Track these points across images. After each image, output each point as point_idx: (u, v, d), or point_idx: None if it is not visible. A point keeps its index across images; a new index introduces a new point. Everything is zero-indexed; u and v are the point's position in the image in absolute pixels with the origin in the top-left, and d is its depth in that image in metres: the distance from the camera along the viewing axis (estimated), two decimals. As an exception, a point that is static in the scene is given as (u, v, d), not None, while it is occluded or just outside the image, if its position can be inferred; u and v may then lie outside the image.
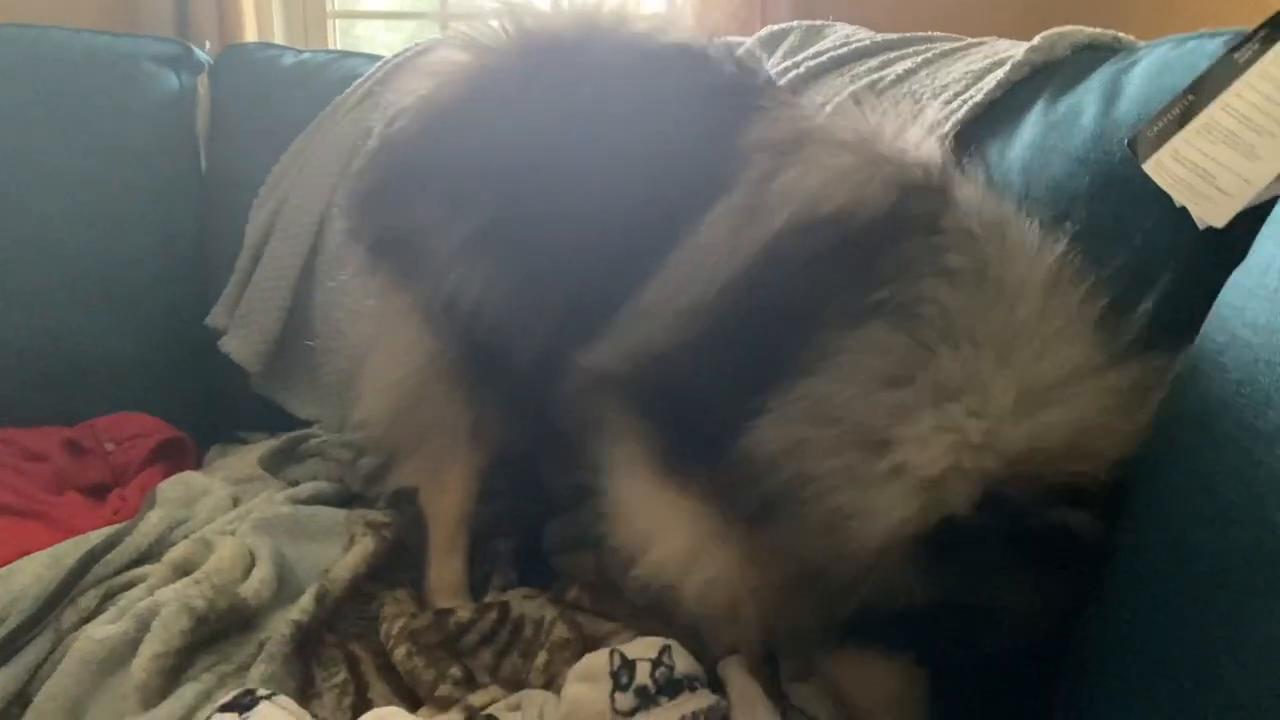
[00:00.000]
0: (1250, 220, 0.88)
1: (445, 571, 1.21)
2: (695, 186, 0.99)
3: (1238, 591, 0.65)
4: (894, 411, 0.82)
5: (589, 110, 1.07)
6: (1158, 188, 0.98)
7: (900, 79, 1.31)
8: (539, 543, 1.31)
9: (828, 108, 1.29)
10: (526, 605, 1.15)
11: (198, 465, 1.61)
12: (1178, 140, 0.99)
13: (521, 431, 1.18)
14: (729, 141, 1.01)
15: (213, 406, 1.78)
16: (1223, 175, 0.95)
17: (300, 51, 1.88)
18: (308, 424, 1.66)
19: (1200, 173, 0.96)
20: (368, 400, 1.24)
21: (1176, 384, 0.80)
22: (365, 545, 1.18)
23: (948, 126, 1.20)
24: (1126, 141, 1.01)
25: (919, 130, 1.02)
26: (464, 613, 1.12)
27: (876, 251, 0.88)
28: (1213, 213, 0.95)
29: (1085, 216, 0.97)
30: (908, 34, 1.40)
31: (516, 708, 0.96)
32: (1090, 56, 1.18)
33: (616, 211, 1.01)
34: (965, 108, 1.20)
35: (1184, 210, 0.96)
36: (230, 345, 1.70)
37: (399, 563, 1.20)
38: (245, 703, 0.88)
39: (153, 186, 1.75)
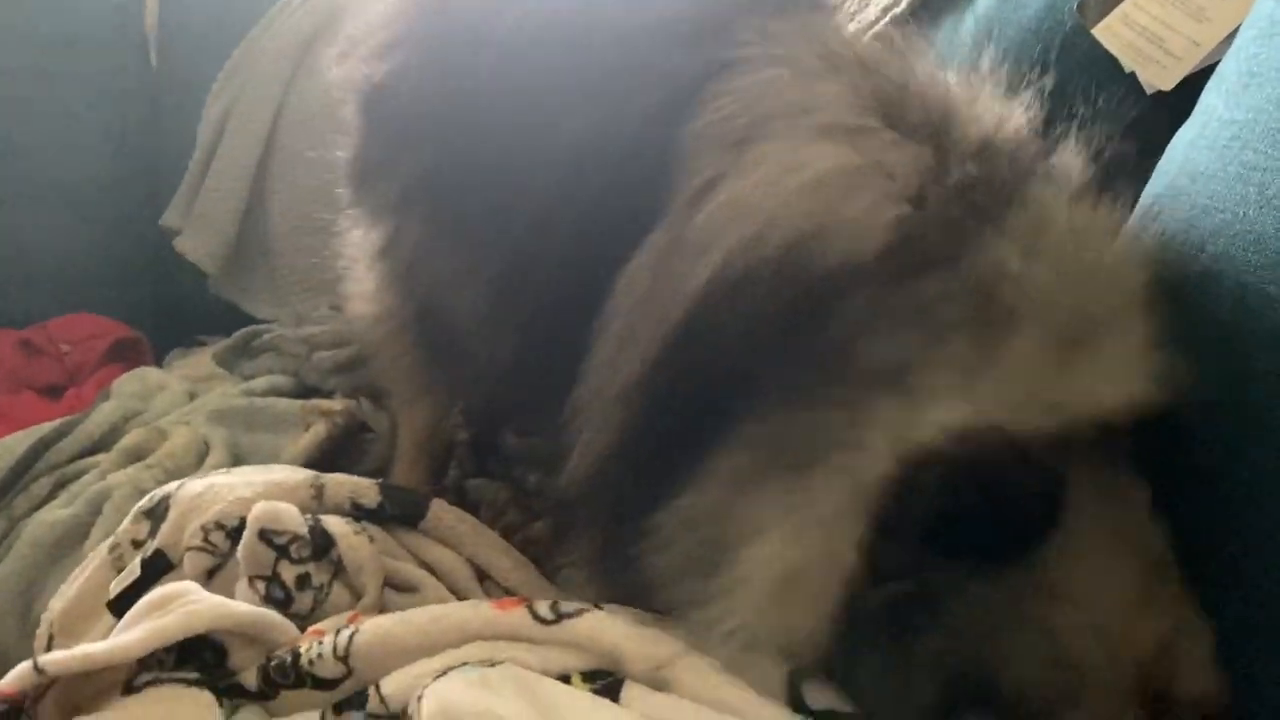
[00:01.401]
0: (1199, 83, 0.87)
1: (411, 475, 1.19)
2: (628, 204, 0.71)
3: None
4: None
5: (511, 69, 0.83)
6: (1108, 53, 0.96)
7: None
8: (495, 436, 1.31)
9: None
10: (484, 490, 1.16)
11: (155, 366, 1.60)
12: (1127, 4, 0.97)
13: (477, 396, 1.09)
14: (673, 128, 0.71)
15: (171, 310, 1.77)
16: (1172, 38, 0.94)
17: (251, -56, 1.83)
18: (267, 322, 1.65)
19: (1149, 36, 0.95)
20: (350, 311, 1.19)
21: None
22: (317, 432, 1.18)
23: (903, 6, 1.18)
24: (1076, 6, 0.99)
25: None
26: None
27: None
28: (1162, 76, 0.93)
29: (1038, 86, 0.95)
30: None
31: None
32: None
33: (545, 207, 0.78)
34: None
35: (1133, 76, 0.95)
36: (186, 246, 1.68)
37: (351, 448, 1.20)
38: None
39: (101, 83, 1.72)
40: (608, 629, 0.61)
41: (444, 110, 0.89)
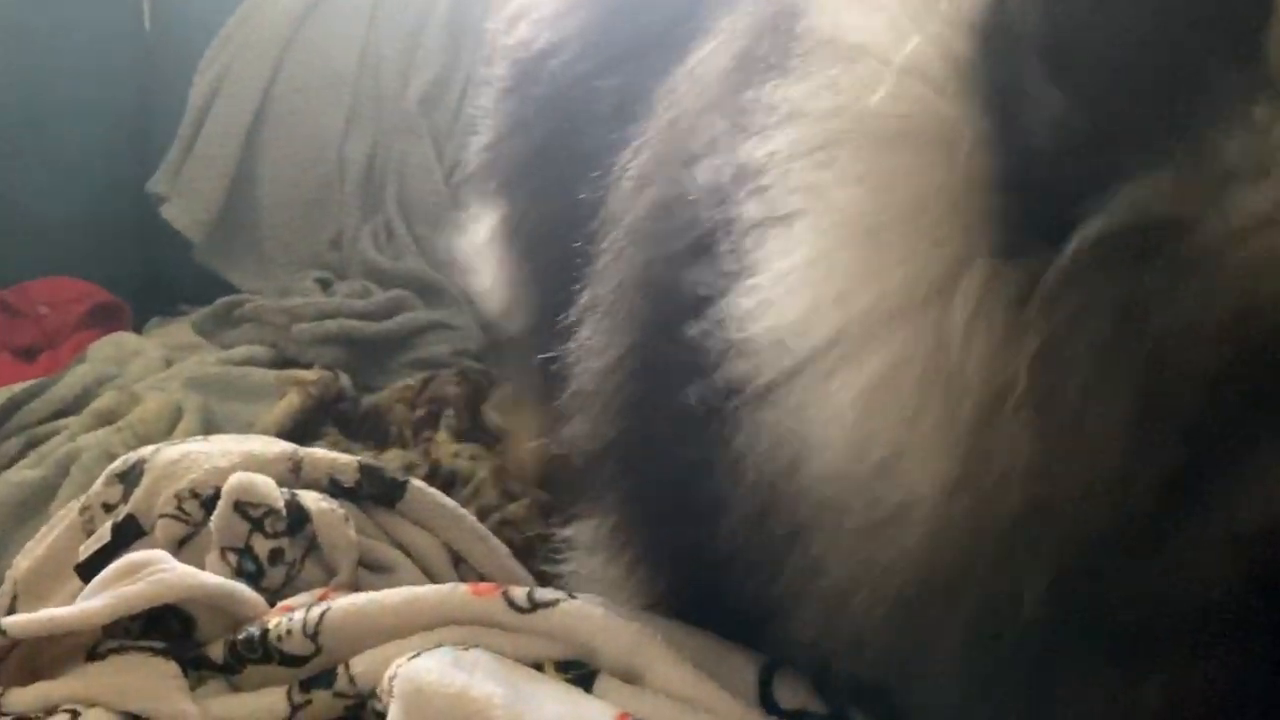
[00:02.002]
0: None
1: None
2: None
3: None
4: None
5: None
6: None
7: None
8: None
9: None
10: (459, 463, 1.15)
11: (135, 332, 1.58)
12: None
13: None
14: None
15: (154, 277, 1.75)
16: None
17: (251, -91, 1.81)
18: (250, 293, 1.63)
19: None
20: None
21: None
22: (291, 401, 1.17)
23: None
24: None
25: None
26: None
27: None
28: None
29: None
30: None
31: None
32: None
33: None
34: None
35: None
36: (172, 213, 1.67)
37: (324, 418, 1.19)
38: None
39: (93, 45, 1.69)
40: (583, 620, 0.60)
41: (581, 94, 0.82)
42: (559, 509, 0.75)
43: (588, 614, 0.60)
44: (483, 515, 1.04)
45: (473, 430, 1.26)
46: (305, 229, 1.64)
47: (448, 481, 1.10)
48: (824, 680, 0.59)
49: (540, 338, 0.82)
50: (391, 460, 1.12)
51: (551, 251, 0.77)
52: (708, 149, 0.53)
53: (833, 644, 0.52)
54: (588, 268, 0.65)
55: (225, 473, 0.77)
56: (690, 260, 0.51)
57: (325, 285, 1.56)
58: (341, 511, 0.77)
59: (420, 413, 1.28)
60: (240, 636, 0.65)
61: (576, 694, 0.57)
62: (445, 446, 1.21)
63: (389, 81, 1.65)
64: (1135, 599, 0.40)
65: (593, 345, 0.62)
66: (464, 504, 1.03)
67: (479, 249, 1.04)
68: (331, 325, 1.40)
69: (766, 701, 0.58)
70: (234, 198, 1.66)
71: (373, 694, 0.60)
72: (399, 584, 0.75)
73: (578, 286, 0.65)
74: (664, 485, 0.59)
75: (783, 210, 0.45)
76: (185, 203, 1.66)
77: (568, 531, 0.75)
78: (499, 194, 0.96)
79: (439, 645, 0.60)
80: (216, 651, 0.66)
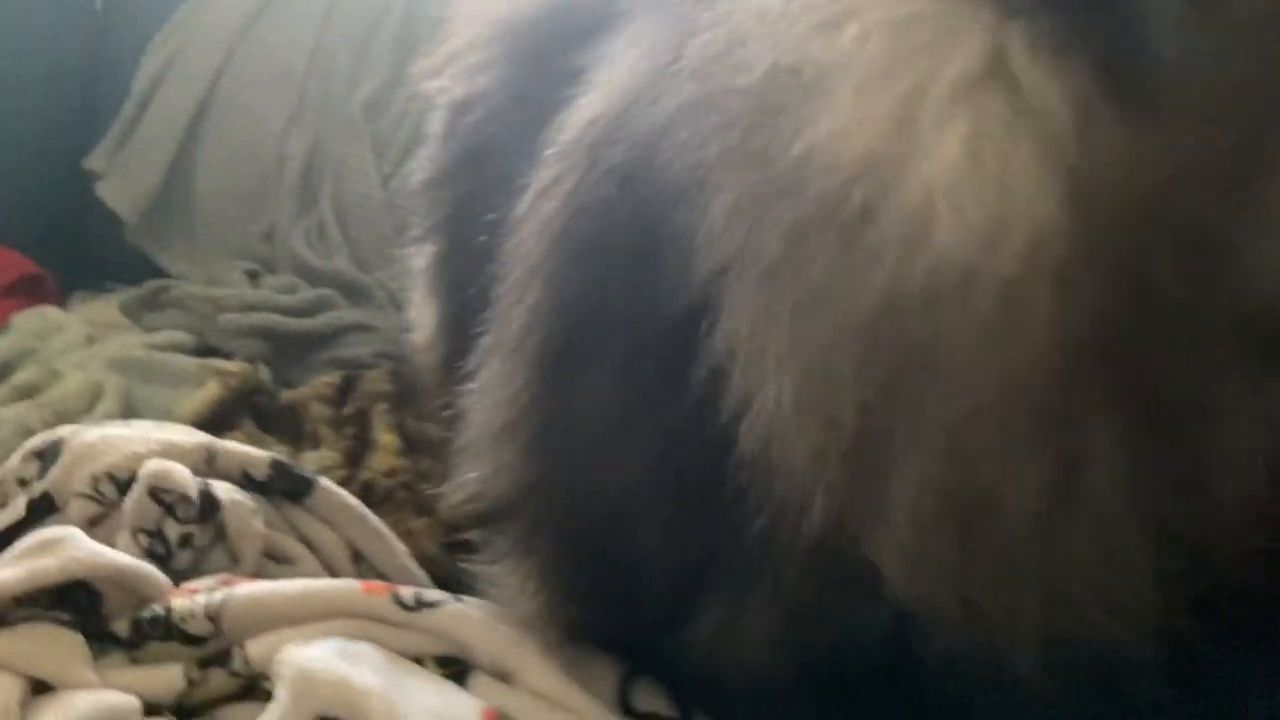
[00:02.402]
0: None
1: None
2: None
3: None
4: None
5: None
6: None
7: None
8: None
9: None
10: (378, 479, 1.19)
11: (60, 307, 1.60)
12: None
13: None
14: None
15: (84, 252, 1.76)
16: None
17: (214, -100, 1.84)
18: (179, 278, 1.66)
19: None
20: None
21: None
22: (210, 391, 1.20)
23: None
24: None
25: None
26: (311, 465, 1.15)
27: None
28: None
29: None
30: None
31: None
32: None
33: None
34: None
35: None
36: (107, 191, 1.69)
37: (242, 410, 1.23)
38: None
39: (45, 22, 1.71)
40: (462, 621, 0.66)
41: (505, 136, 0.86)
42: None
43: (467, 616, 0.67)
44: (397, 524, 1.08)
45: (402, 427, 1.30)
46: (239, 220, 1.67)
47: (367, 486, 1.14)
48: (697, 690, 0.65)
49: (449, 374, 0.88)
50: (311, 462, 1.16)
51: (463, 297, 0.82)
52: None
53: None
54: (488, 313, 0.70)
55: (142, 458, 0.82)
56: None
57: (254, 277, 1.60)
58: (251, 504, 0.82)
59: (349, 410, 1.32)
60: (145, 614, 0.70)
61: (450, 688, 0.63)
62: (384, 456, 1.25)
63: (336, 84, 1.69)
64: None
65: (492, 391, 0.67)
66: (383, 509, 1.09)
67: (414, 279, 1.09)
68: (256, 318, 1.44)
69: (625, 704, 0.65)
70: (171, 182, 1.68)
71: (264, 675, 0.65)
72: (300, 575, 0.80)
73: (480, 330, 0.71)
74: (575, 528, 0.64)
75: None
76: (121, 182, 1.68)
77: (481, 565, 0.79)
78: (432, 234, 1.01)
79: (330, 636, 0.66)
80: (121, 627, 0.70)
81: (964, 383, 0.46)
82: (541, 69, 0.68)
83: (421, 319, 1.07)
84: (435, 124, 1.01)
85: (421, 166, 1.05)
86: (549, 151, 0.66)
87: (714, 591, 0.57)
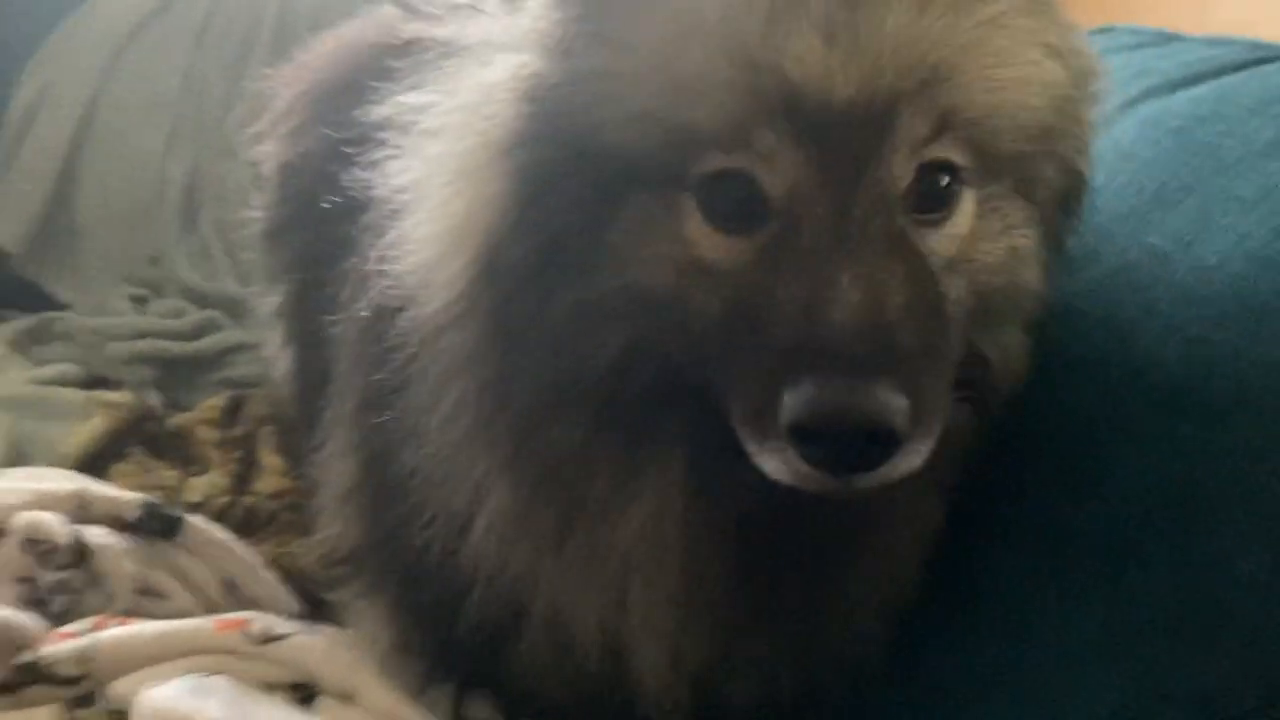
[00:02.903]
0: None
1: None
2: None
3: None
4: None
5: None
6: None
7: None
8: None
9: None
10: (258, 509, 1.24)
11: (-51, 338, 1.61)
12: None
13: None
14: None
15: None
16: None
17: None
18: (66, 306, 1.68)
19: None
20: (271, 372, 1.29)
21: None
22: (96, 425, 1.25)
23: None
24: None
25: None
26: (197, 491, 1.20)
27: None
28: None
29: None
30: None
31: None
32: None
33: None
34: None
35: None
36: (-10, 224, 1.70)
37: (130, 438, 1.28)
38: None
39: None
40: (308, 651, 0.74)
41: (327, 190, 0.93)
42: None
43: (312, 645, 0.74)
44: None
45: (284, 448, 1.35)
46: (124, 245, 1.70)
47: (251, 510, 1.19)
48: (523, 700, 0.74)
49: (304, 414, 0.95)
50: (198, 487, 1.21)
51: (314, 341, 0.89)
52: None
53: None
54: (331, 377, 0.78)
55: (15, 509, 0.88)
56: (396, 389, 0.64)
57: (140, 302, 1.63)
58: (121, 546, 0.88)
59: (236, 432, 1.37)
60: (18, 661, 0.76)
61: (297, 713, 0.70)
62: (270, 478, 1.30)
63: (211, 106, 1.72)
64: None
65: (336, 460, 0.76)
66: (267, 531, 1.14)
67: (268, 319, 1.15)
68: (143, 345, 1.47)
69: (458, 717, 0.73)
70: (53, 212, 1.69)
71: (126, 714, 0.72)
72: (174, 609, 0.87)
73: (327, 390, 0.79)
74: (413, 583, 0.72)
75: None
76: (3, 215, 1.69)
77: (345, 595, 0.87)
78: (277, 280, 1.07)
79: (188, 672, 0.73)
80: (-3, 674, 0.77)
81: None
82: (354, 128, 0.74)
83: (280, 360, 1.14)
84: (268, 181, 1.08)
85: (258, 218, 1.11)
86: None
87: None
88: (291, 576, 1.00)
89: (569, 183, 0.55)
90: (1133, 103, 0.75)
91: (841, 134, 0.51)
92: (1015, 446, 0.61)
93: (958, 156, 0.54)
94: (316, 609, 0.92)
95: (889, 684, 0.64)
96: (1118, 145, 0.70)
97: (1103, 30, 0.96)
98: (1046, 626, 0.58)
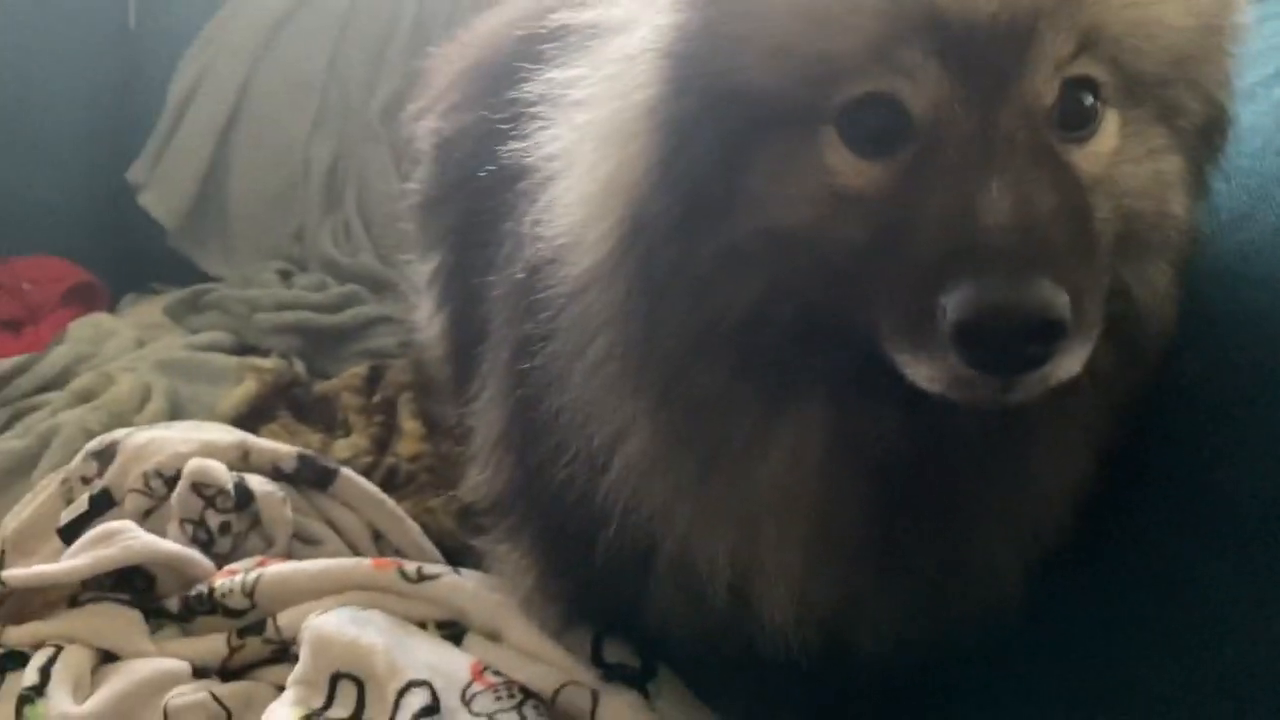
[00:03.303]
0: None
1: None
2: None
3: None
4: None
5: None
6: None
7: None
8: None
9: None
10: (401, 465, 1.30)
11: (109, 311, 1.72)
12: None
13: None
14: None
15: (130, 256, 1.88)
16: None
17: (235, -85, 1.95)
18: (217, 279, 1.78)
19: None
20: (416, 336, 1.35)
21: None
22: (248, 387, 1.32)
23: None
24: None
25: None
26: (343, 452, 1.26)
27: None
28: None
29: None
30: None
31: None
32: None
33: None
34: None
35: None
36: (149, 201, 1.80)
37: (278, 402, 1.35)
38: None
39: (80, 39, 1.82)
40: (458, 591, 0.78)
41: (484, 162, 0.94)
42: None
43: (462, 586, 0.78)
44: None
45: (425, 414, 1.41)
46: (270, 222, 1.79)
47: (392, 470, 1.24)
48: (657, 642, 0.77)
49: (456, 372, 0.99)
50: (343, 449, 1.27)
51: (467, 307, 0.93)
52: None
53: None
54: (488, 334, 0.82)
55: (185, 457, 0.94)
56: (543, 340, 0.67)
57: (286, 276, 1.71)
58: (281, 494, 0.94)
59: (376, 399, 1.43)
60: (192, 593, 0.83)
61: (446, 646, 0.74)
62: (408, 442, 1.36)
63: (355, 91, 1.80)
64: None
65: (490, 408, 0.79)
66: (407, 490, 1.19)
67: (420, 288, 1.20)
68: (289, 316, 1.55)
69: (596, 658, 0.76)
70: (206, 190, 1.80)
71: (293, 641, 0.77)
72: (327, 554, 0.93)
73: (482, 346, 0.82)
74: (554, 522, 0.76)
75: None
76: (161, 192, 1.80)
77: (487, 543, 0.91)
78: (433, 248, 1.12)
79: (345, 606, 0.77)
80: (172, 604, 0.83)
81: None
82: (509, 107, 0.77)
83: (431, 324, 1.18)
84: (426, 155, 1.12)
85: (415, 189, 1.16)
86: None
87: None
88: (429, 532, 1.05)
89: (707, 132, 0.57)
90: (1291, 66, 0.73)
91: (984, 51, 0.52)
92: (1167, 403, 0.61)
93: (1101, 74, 0.54)
94: (454, 563, 0.97)
95: (1025, 634, 0.64)
96: (1277, 109, 0.69)
97: (1257, -4, 0.93)
98: (1190, 579, 0.58)
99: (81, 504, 0.94)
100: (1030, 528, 0.63)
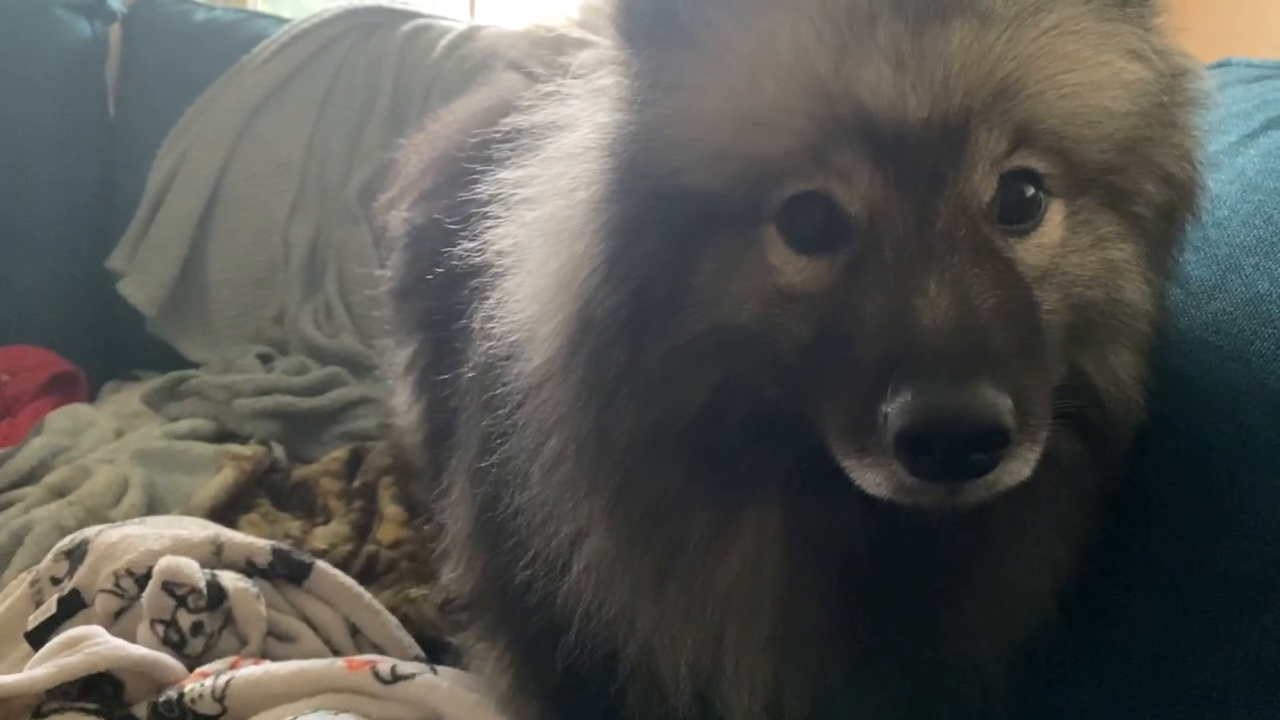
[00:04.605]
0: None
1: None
2: None
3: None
4: None
5: None
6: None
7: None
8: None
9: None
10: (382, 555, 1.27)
11: (90, 399, 1.71)
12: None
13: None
14: None
15: (110, 344, 1.87)
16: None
17: (212, 8, 1.97)
18: (198, 365, 1.77)
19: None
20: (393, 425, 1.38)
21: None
22: (226, 476, 1.30)
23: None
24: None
25: None
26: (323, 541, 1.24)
27: None
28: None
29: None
30: None
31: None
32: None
33: None
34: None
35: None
36: (128, 289, 1.80)
37: (258, 489, 1.33)
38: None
39: (60, 129, 1.83)
40: (433, 691, 0.76)
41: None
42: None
43: (437, 686, 0.76)
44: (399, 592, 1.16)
45: (405, 498, 1.39)
46: (250, 306, 1.79)
47: (372, 558, 1.22)
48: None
49: (433, 459, 0.98)
50: (322, 537, 1.25)
51: (441, 394, 0.92)
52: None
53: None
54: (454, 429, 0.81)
55: (157, 555, 0.92)
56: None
57: (266, 360, 1.70)
58: (254, 590, 0.92)
59: (357, 483, 1.41)
60: (161, 699, 0.80)
61: (421, 750, 0.72)
62: (390, 527, 1.33)
63: (332, 173, 1.81)
64: None
65: (458, 507, 0.78)
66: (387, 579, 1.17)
67: (398, 374, 1.19)
68: (269, 401, 1.54)
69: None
70: (185, 276, 1.80)
71: (264, 749, 0.75)
72: (302, 652, 0.90)
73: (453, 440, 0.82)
74: (522, 623, 0.74)
75: None
76: (140, 279, 1.79)
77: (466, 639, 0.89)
78: (409, 335, 1.12)
79: (319, 709, 0.75)
80: (141, 712, 0.81)
81: None
82: (465, 207, 0.77)
83: (409, 410, 1.18)
84: (398, 243, 1.13)
85: (390, 276, 1.16)
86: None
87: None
88: (410, 623, 1.03)
89: (652, 232, 0.58)
90: (1255, 134, 0.74)
91: (917, 152, 0.52)
92: (1148, 485, 0.60)
93: (1041, 165, 0.55)
94: (434, 655, 0.95)
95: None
96: (1242, 176, 0.69)
97: (1220, 65, 0.95)
98: (1191, 666, 0.56)
99: (50, 606, 0.91)
100: (1008, 621, 0.61)
